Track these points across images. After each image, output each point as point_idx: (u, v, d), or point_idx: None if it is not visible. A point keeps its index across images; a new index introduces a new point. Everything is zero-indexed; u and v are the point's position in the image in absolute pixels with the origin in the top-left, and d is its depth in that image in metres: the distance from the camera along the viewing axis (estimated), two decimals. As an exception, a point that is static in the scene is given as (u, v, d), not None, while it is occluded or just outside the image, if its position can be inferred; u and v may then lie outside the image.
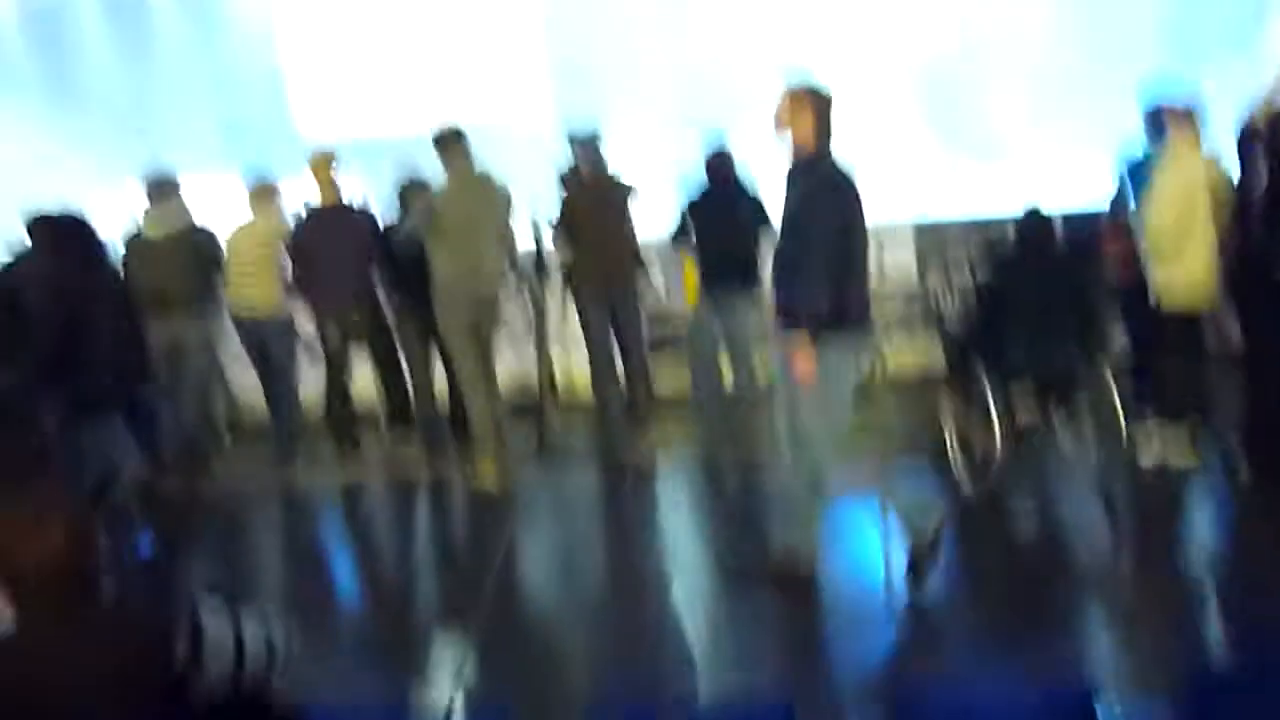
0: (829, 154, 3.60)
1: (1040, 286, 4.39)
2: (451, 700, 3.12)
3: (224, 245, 5.31)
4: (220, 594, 1.87)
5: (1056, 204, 4.92)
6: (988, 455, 4.38)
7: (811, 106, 3.52)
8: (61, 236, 4.35)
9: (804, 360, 3.45)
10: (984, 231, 6.51)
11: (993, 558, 4.10)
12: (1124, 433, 4.41)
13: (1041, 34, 7.38)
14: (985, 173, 7.56)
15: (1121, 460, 4.45)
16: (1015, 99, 7.36)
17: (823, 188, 3.55)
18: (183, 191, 5.36)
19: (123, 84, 15.86)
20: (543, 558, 4.41)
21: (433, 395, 5.36)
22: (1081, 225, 5.86)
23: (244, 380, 5.89)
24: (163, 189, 5.31)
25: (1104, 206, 5.28)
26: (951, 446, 4.66)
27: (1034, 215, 4.67)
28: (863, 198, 3.64)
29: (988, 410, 4.35)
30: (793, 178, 3.64)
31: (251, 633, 1.86)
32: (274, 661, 1.89)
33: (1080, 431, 4.49)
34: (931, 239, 6.62)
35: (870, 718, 2.10)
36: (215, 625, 1.78)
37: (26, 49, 15.71)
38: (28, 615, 1.70)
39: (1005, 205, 5.41)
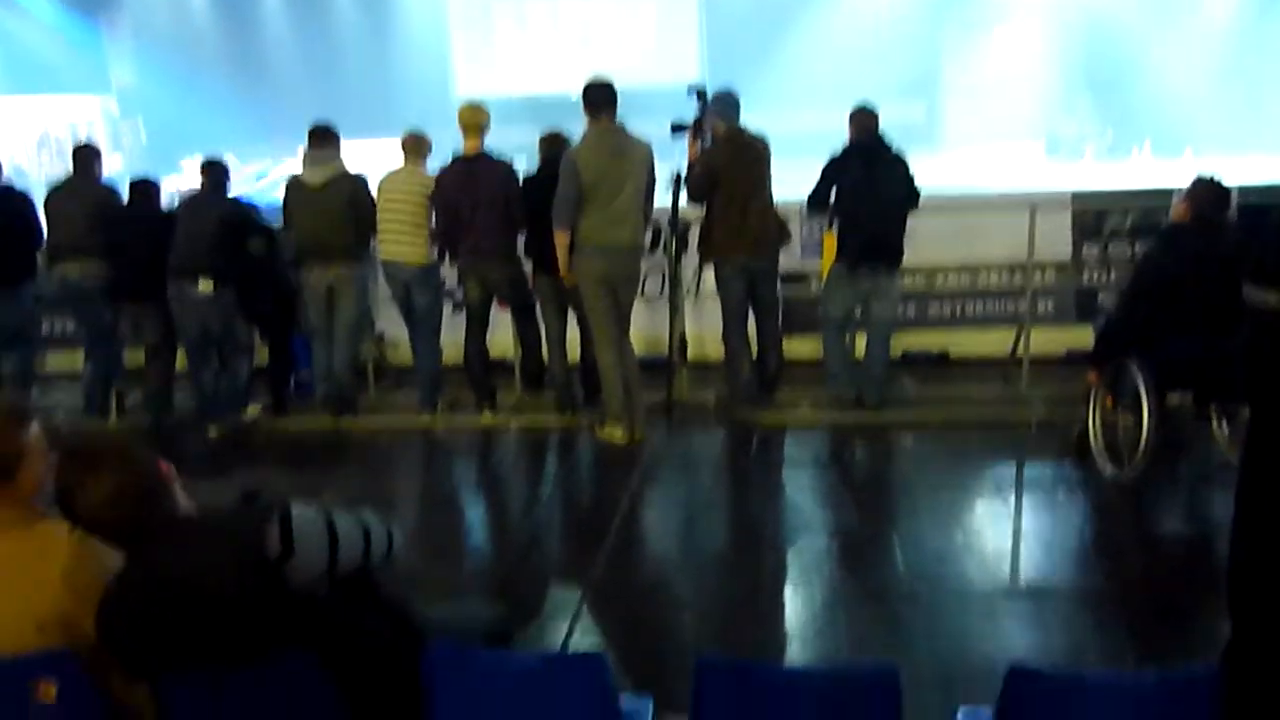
0: None
1: (1211, 274, 3.90)
2: (565, 642, 3.22)
3: (375, 192, 5.54)
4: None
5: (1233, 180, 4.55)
6: (1134, 444, 4.14)
7: None
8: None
9: None
10: (1148, 201, 6.13)
11: (1127, 546, 3.92)
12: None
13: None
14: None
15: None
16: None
17: None
18: (341, 144, 5.64)
19: (300, 50, 16.92)
20: (665, 512, 4.47)
21: (565, 351, 5.49)
22: (1262, 201, 5.43)
23: (391, 326, 6.22)
24: (323, 139, 5.60)
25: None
26: (1094, 430, 4.43)
27: (1208, 184, 4.29)
28: None
29: (1139, 402, 4.09)
30: None
31: (344, 521, 1.92)
32: (371, 548, 1.96)
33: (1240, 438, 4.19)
34: (1090, 208, 6.24)
35: (979, 693, 2.05)
36: (304, 514, 1.84)
37: (218, 25, 17.00)
38: (124, 550, 1.85)
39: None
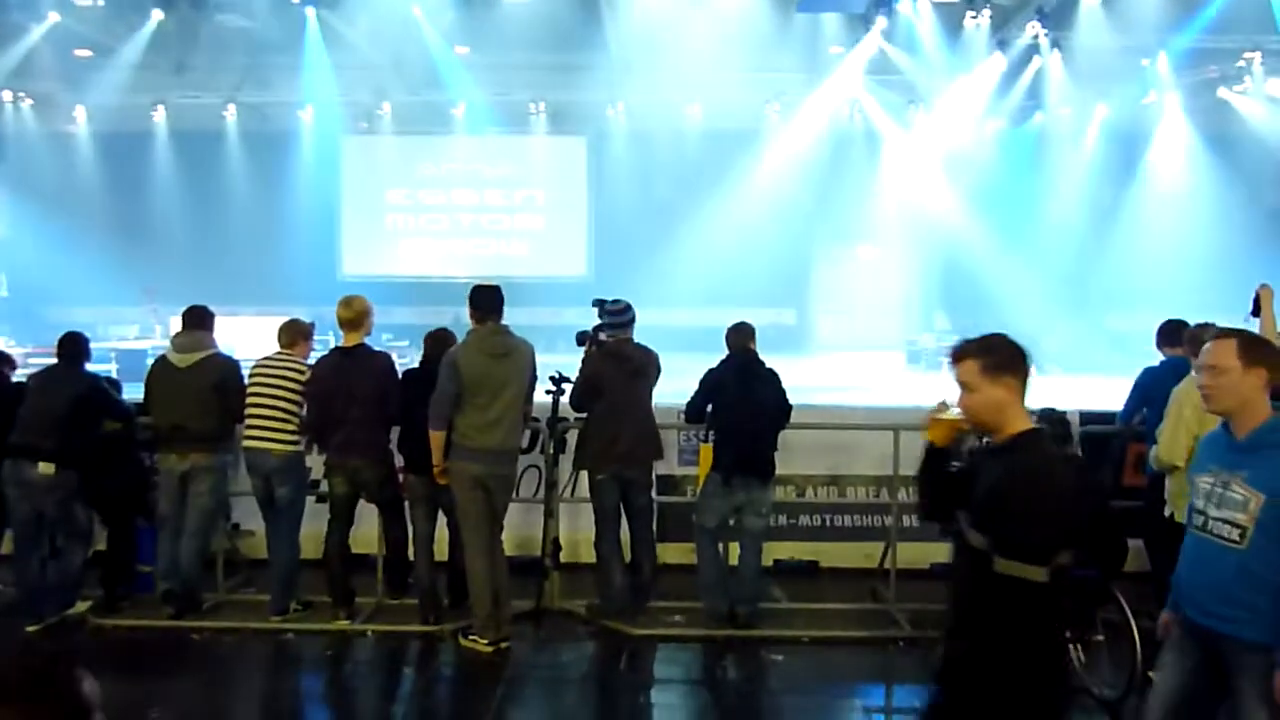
0: None
1: None
2: None
3: (246, 377, 5.37)
4: None
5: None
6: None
7: None
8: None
9: None
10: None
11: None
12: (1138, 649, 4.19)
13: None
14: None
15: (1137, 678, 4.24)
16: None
17: None
18: (214, 326, 5.50)
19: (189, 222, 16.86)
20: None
21: (433, 553, 5.27)
22: (1101, 427, 5.84)
23: (248, 516, 5.88)
24: (197, 319, 5.46)
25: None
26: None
27: (1049, 415, 4.60)
28: None
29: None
30: None
31: None
32: None
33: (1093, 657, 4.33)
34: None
35: None
36: None
37: (104, 186, 16.93)
38: None
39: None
